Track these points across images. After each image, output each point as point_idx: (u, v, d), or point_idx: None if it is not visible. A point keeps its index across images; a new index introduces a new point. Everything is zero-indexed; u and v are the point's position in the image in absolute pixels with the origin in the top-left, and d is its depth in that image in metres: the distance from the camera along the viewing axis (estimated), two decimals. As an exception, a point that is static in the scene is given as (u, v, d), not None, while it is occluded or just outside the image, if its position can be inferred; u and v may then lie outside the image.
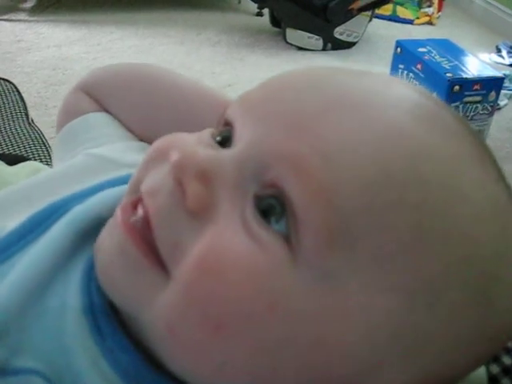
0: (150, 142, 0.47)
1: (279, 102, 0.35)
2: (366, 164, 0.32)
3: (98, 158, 0.49)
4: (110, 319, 0.36)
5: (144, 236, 0.34)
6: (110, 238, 0.36)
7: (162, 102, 0.56)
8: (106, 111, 0.57)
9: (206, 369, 0.33)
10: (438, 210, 0.32)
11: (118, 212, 0.36)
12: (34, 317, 0.36)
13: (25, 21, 2.85)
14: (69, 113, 0.58)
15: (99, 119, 0.56)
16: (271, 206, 0.33)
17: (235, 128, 0.36)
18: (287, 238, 0.32)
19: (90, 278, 0.37)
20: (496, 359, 0.47)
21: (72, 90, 0.61)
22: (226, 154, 0.35)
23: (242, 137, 0.35)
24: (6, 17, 2.84)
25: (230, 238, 0.33)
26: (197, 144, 0.37)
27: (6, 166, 0.68)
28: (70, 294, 0.37)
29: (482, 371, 0.44)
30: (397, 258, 0.32)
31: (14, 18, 2.86)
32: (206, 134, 0.38)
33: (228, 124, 0.38)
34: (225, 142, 0.37)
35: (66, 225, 0.40)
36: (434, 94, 0.38)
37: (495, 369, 0.47)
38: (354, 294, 0.32)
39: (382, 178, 0.32)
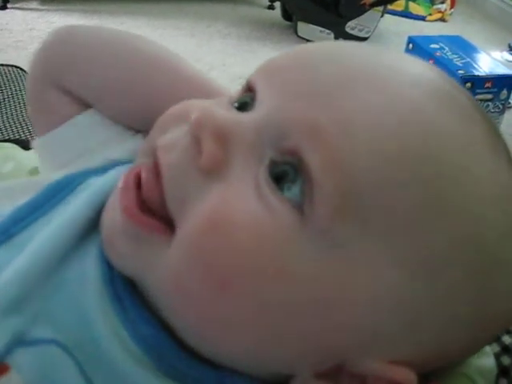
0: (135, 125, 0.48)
1: (302, 69, 0.36)
2: (383, 138, 0.32)
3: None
4: (131, 293, 0.36)
5: (149, 198, 0.35)
6: (112, 213, 0.37)
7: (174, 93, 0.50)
8: (84, 102, 0.51)
9: (211, 327, 0.34)
10: (447, 188, 0.33)
11: (120, 187, 0.36)
12: (54, 287, 0.36)
13: (36, 9, 2.85)
14: (47, 112, 0.52)
15: (88, 125, 0.50)
16: (286, 173, 0.33)
17: (257, 92, 0.37)
18: (299, 206, 0.32)
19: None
20: (507, 350, 0.47)
21: (33, 80, 0.54)
22: (246, 117, 0.36)
23: (263, 102, 0.36)
24: (17, 5, 2.84)
25: (240, 198, 0.33)
26: (216, 105, 0.37)
27: (21, 150, 0.69)
28: (90, 265, 0.37)
29: (491, 362, 0.44)
30: (402, 233, 0.32)
31: (25, 6, 2.86)
32: (224, 100, 0.39)
33: (250, 89, 0.38)
34: (243, 108, 0.38)
35: (85, 198, 0.40)
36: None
37: (506, 360, 0.47)
38: (360, 264, 0.32)
39: (396, 154, 0.32)
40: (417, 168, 0.32)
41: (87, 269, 0.37)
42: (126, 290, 0.36)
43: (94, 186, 0.41)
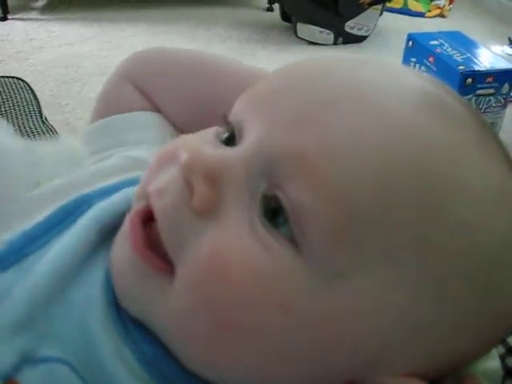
0: None
1: (284, 94, 0.35)
2: (371, 160, 0.32)
3: (133, 160, 0.49)
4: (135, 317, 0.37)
5: (150, 239, 0.35)
6: (120, 251, 0.37)
7: (209, 93, 0.54)
8: (153, 104, 0.56)
9: (218, 363, 0.34)
10: (441, 201, 0.33)
11: (127, 224, 0.37)
12: (60, 307, 0.37)
13: (36, 19, 2.86)
14: (110, 103, 0.58)
15: (146, 120, 0.55)
16: (279, 210, 0.33)
17: (242, 124, 0.37)
18: (294, 241, 0.32)
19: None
20: (512, 352, 0.47)
21: (114, 77, 0.59)
22: (233, 152, 0.35)
23: (249, 133, 0.36)
24: (18, 16, 2.86)
25: (236, 239, 0.33)
26: (204, 143, 0.37)
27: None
28: (95, 288, 0.37)
29: (497, 364, 0.44)
30: (403, 252, 0.32)
31: (25, 16, 2.87)
32: (210, 133, 0.39)
33: (232, 124, 0.38)
34: (231, 139, 0.37)
35: (90, 220, 0.40)
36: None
37: (511, 362, 0.47)
38: (363, 290, 0.32)
39: (386, 174, 0.32)
40: (407, 184, 0.32)
41: (92, 291, 0.37)
42: (130, 315, 0.37)
43: (99, 210, 0.41)
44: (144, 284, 0.36)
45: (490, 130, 0.37)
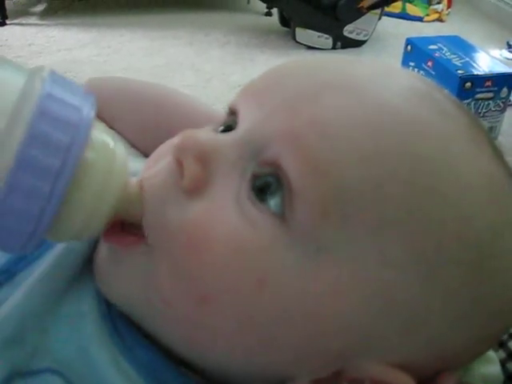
0: None
1: (279, 87, 0.37)
2: (360, 138, 0.33)
3: None
4: (128, 322, 0.37)
5: (123, 225, 0.36)
6: (99, 248, 0.39)
7: (166, 121, 0.56)
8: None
9: (199, 337, 0.34)
10: (428, 185, 0.33)
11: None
12: (51, 321, 0.37)
13: (35, 25, 2.86)
14: None
15: None
16: (268, 184, 0.34)
17: (238, 114, 0.38)
18: (281, 215, 0.33)
19: None
20: (513, 357, 0.47)
21: None
22: (226, 137, 0.37)
23: (244, 121, 0.37)
24: (16, 21, 2.86)
25: (220, 214, 0.34)
26: (199, 131, 0.38)
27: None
28: (87, 299, 0.38)
29: (497, 369, 0.44)
30: (389, 232, 0.32)
31: (24, 22, 2.87)
32: (210, 127, 0.40)
33: (232, 113, 0.39)
34: (228, 131, 0.38)
35: None
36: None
37: (512, 367, 0.46)
38: (347, 266, 0.32)
39: (374, 153, 0.33)
40: (395, 166, 0.33)
41: (85, 304, 0.38)
42: (123, 321, 0.37)
43: None
44: (123, 267, 0.36)
45: (480, 126, 0.38)
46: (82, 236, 0.35)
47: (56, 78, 0.33)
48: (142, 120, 0.58)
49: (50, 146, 0.31)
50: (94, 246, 0.40)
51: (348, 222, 0.32)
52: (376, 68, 0.39)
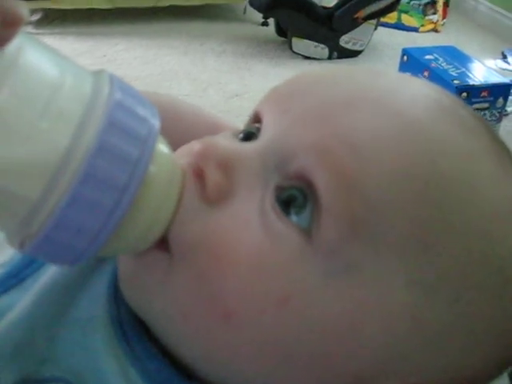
0: None
1: (305, 95, 0.36)
2: (391, 157, 0.32)
3: None
4: (138, 329, 0.36)
5: None
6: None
7: (171, 129, 0.55)
8: None
9: (220, 355, 0.33)
10: (456, 208, 0.32)
11: None
12: (61, 328, 0.36)
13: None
14: None
15: None
16: (293, 197, 0.33)
17: (262, 121, 0.37)
18: (307, 231, 0.32)
19: (117, 289, 0.37)
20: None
21: None
22: (249, 145, 0.36)
23: (268, 129, 0.36)
24: (12, 30, 2.85)
25: (244, 226, 0.33)
26: (219, 137, 0.37)
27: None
28: (97, 306, 0.37)
29: (505, 383, 0.43)
30: (416, 253, 0.32)
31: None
32: (228, 133, 0.39)
33: (256, 120, 0.38)
34: (248, 139, 0.37)
35: None
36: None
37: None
38: (374, 286, 0.32)
39: (405, 173, 0.32)
40: (425, 187, 0.32)
41: (95, 309, 0.37)
42: (133, 328, 0.36)
43: None
44: (144, 273, 0.35)
45: (502, 143, 0.38)
46: (130, 251, 0.34)
47: (120, 83, 0.32)
48: None
49: (117, 159, 0.29)
50: None
51: (376, 241, 0.31)
52: (401, 81, 0.39)
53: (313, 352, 0.32)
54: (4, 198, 0.29)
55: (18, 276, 0.39)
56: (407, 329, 0.32)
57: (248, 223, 0.32)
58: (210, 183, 0.33)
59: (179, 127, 0.51)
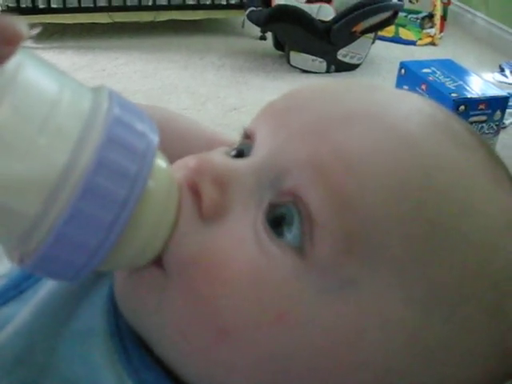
0: None
1: (301, 110, 0.36)
2: (386, 174, 0.32)
3: None
4: (136, 341, 0.36)
5: None
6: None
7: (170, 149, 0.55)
8: None
9: (216, 372, 0.33)
10: (451, 224, 0.33)
11: None
12: (60, 339, 0.36)
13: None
14: None
15: None
16: (284, 215, 0.33)
17: (256, 137, 0.37)
18: (300, 249, 0.32)
19: (115, 300, 0.37)
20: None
21: None
22: (244, 162, 0.36)
23: (262, 145, 0.36)
24: (11, 44, 2.86)
25: (239, 245, 0.33)
26: (213, 154, 0.37)
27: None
28: (97, 317, 0.37)
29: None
30: (412, 269, 0.32)
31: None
32: (221, 150, 0.39)
33: (247, 136, 0.38)
34: (240, 156, 0.37)
35: None
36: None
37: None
38: (370, 303, 0.32)
39: (401, 190, 0.32)
40: (420, 204, 0.32)
41: (94, 321, 0.37)
42: (132, 340, 0.36)
43: None
44: (139, 290, 0.35)
45: (497, 158, 0.38)
46: (129, 267, 0.34)
47: (118, 99, 0.32)
48: None
49: (116, 175, 0.29)
50: None
51: (372, 258, 0.31)
52: (396, 96, 0.39)
53: (309, 367, 0.32)
54: (2, 214, 0.29)
55: (17, 288, 0.40)
56: (403, 344, 0.32)
57: (242, 242, 0.33)
58: (206, 199, 0.33)
59: (177, 141, 0.51)
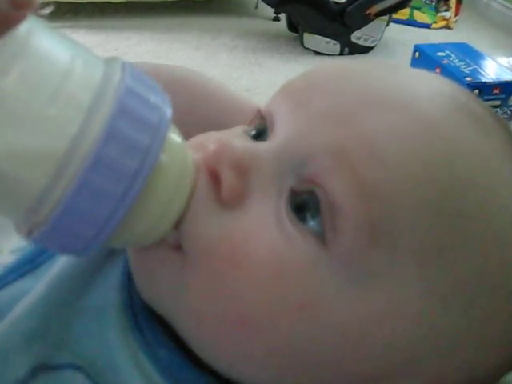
0: None
1: (323, 92, 0.35)
2: (411, 162, 0.32)
3: None
4: (149, 316, 0.36)
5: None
6: (130, 251, 0.37)
7: (199, 109, 0.53)
8: None
9: (235, 359, 0.33)
10: (475, 215, 0.32)
11: None
12: (75, 314, 0.36)
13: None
14: None
15: None
16: (307, 201, 0.32)
17: (275, 118, 0.36)
18: (322, 237, 0.31)
19: (130, 277, 0.37)
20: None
21: None
22: (263, 145, 0.35)
23: (282, 128, 0.35)
24: (24, 23, 2.86)
25: (260, 231, 0.32)
26: (233, 136, 0.36)
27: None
28: (111, 293, 0.37)
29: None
30: (434, 260, 0.31)
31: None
32: (239, 129, 0.38)
33: (265, 117, 0.37)
34: (259, 136, 0.37)
35: None
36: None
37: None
38: (392, 293, 0.31)
39: (426, 179, 0.32)
40: (444, 194, 0.32)
41: (108, 297, 0.37)
42: (146, 317, 0.36)
43: None
44: (156, 269, 0.35)
45: None
46: (139, 244, 0.34)
47: (133, 70, 0.31)
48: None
49: (127, 146, 0.29)
50: None
51: (396, 248, 0.31)
52: (419, 78, 0.38)
53: (326, 358, 0.32)
54: (11, 185, 0.28)
55: (33, 262, 0.40)
56: (422, 335, 0.32)
57: (264, 228, 0.32)
58: (225, 185, 0.33)
59: (205, 102, 0.50)
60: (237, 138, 0.36)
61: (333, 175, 0.31)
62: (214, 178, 0.34)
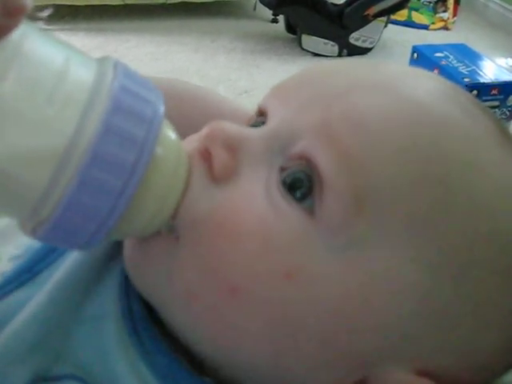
0: None
1: (309, 85, 0.37)
2: (394, 134, 0.33)
3: None
4: (148, 323, 0.37)
5: None
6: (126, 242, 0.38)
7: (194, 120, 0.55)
8: None
9: (226, 335, 0.34)
10: (460, 185, 0.33)
11: None
12: (75, 324, 0.37)
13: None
14: None
15: None
16: (297, 180, 0.33)
17: (268, 112, 0.37)
18: (309, 209, 0.32)
19: (128, 284, 0.38)
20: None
21: None
22: (255, 130, 0.36)
23: (273, 117, 0.36)
24: (23, 26, 2.86)
25: (249, 202, 0.33)
26: (227, 123, 0.37)
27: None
28: (109, 301, 0.37)
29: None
30: (422, 230, 0.32)
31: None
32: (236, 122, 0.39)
33: (261, 114, 0.39)
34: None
35: None
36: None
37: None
38: (379, 263, 0.32)
39: (409, 149, 0.32)
40: (428, 165, 0.32)
41: (107, 305, 0.37)
42: (144, 323, 0.37)
43: None
44: (150, 255, 0.35)
45: (505, 130, 0.38)
46: (140, 234, 0.35)
47: (125, 69, 0.32)
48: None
49: (123, 141, 0.30)
50: (115, 244, 0.39)
51: (381, 218, 0.32)
52: (404, 70, 0.40)
53: (319, 329, 0.32)
54: (14, 185, 0.29)
55: (31, 271, 0.40)
56: (413, 308, 0.32)
57: (254, 200, 0.33)
58: (216, 162, 0.34)
59: (199, 111, 0.51)
60: (229, 123, 0.37)
61: (318, 150, 0.32)
62: (206, 158, 0.35)
